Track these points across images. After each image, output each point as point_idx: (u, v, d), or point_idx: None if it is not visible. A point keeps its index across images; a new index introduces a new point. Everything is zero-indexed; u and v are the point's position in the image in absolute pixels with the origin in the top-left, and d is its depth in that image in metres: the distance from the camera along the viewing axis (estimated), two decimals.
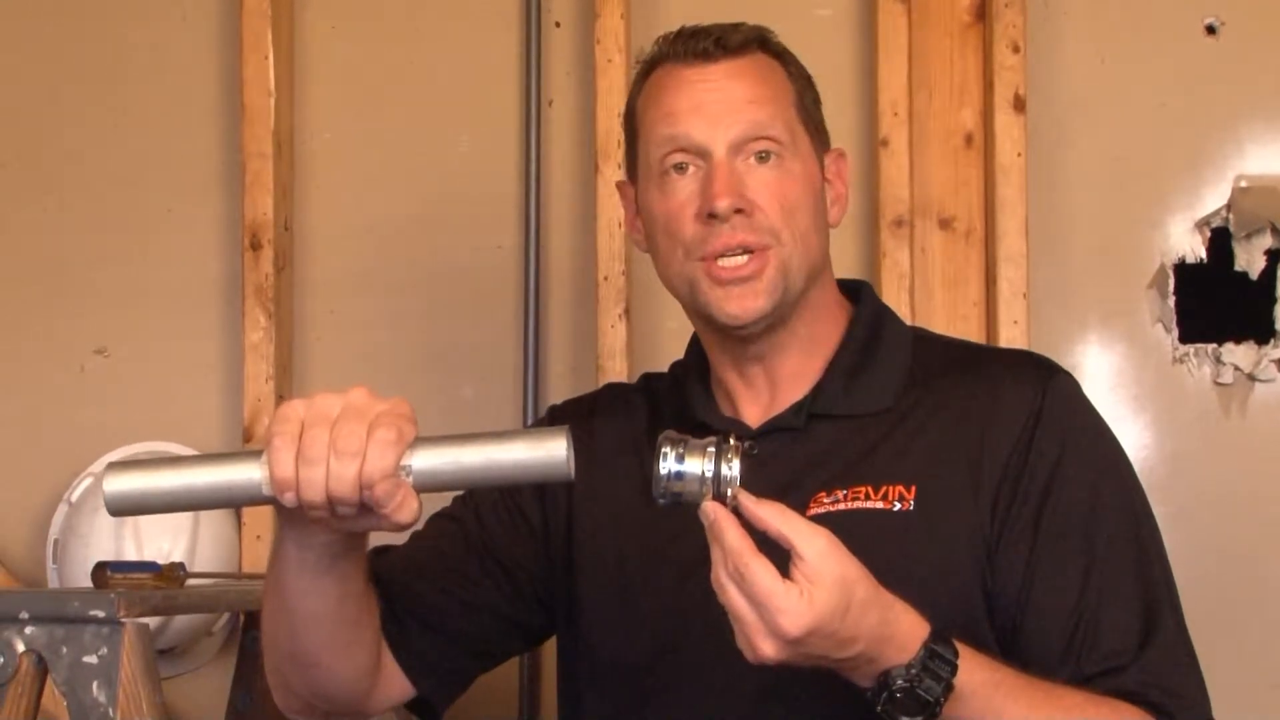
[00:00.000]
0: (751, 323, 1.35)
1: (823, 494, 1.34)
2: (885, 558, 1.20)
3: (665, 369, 1.54)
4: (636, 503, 1.40)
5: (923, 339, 1.46)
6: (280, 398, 2.30)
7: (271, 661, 1.34)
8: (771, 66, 1.39)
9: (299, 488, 1.08)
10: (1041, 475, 1.32)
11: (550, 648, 1.49)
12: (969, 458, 1.33)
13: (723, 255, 1.33)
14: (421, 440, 1.10)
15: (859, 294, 1.46)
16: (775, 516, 1.12)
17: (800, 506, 1.30)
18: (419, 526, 1.29)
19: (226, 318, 2.35)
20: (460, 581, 1.41)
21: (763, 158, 1.34)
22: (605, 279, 2.24)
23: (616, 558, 1.40)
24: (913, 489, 1.32)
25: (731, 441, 1.13)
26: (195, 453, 2.25)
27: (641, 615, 1.38)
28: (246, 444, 2.29)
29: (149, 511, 1.12)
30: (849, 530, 1.18)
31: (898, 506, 1.32)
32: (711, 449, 1.12)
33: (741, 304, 1.33)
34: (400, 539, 1.40)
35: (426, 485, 1.10)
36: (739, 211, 1.32)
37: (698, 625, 1.32)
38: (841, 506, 1.33)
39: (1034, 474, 1.32)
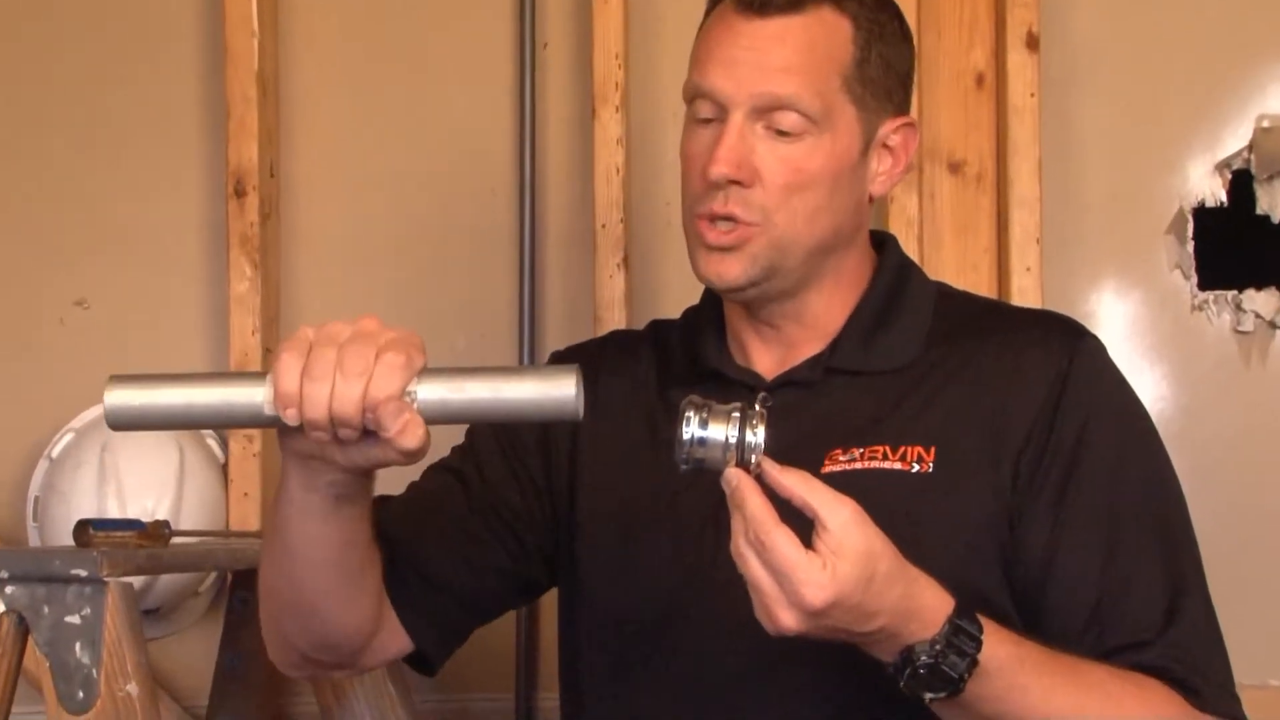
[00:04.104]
0: (728, 290, 1.36)
1: (838, 451, 1.34)
2: (901, 520, 1.20)
3: (668, 319, 1.53)
4: (643, 455, 1.40)
5: (946, 295, 1.45)
6: (267, 351, 2.29)
7: (269, 610, 1.35)
8: (833, 28, 1.34)
9: (302, 404, 1.08)
10: (1066, 445, 1.32)
11: (549, 607, 1.55)
12: (991, 423, 1.33)
13: (714, 218, 1.34)
14: (429, 370, 1.11)
15: (883, 245, 1.45)
16: (800, 485, 1.12)
17: (814, 463, 1.31)
18: (424, 462, 1.26)
19: (211, 269, 2.34)
20: (464, 539, 1.41)
21: (781, 133, 1.32)
22: (603, 227, 2.24)
23: (620, 512, 1.40)
24: (932, 450, 1.32)
25: (757, 408, 1.13)
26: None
27: (645, 572, 1.38)
28: None
29: (149, 427, 1.12)
30: (864, 490, 1.18)
31: (916, 468, 1.31)
32: (736, 415, 1.12)
33: (718, 270, 1.34)
34: (406, 476, 1.40)
35: (432, 414, 1.10)
36: (736, 182, 1.32)
37: (704, 583, 1.33)
38: (858, 465, 1.33)
39: (1058, 443, 1.32)
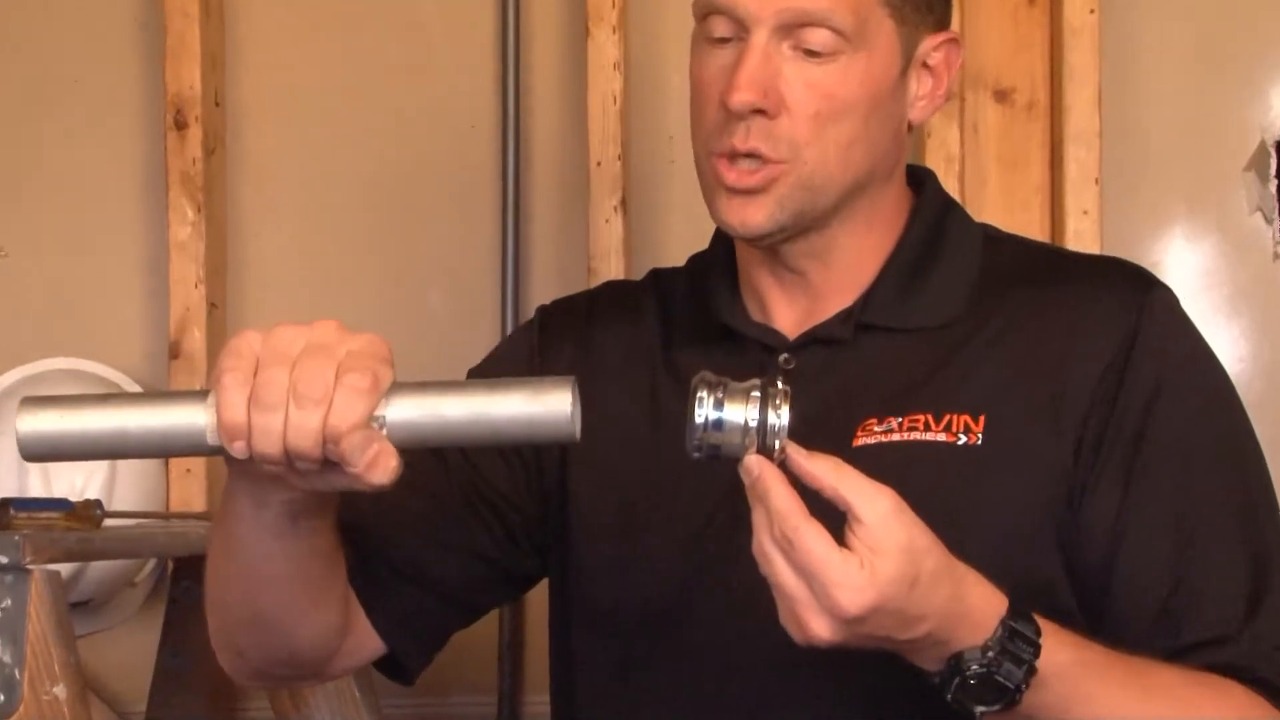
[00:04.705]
0: (753, 238, 1.34)
1: (872, 420, 1.32)
2: (946, 500, 1.19)
3: (672, 267, 1.51)
4: (644, 426, 1.38)
5: (995, 240, 1.43)
6: (213, 306, 2.28)
7: (219, 624, 1.33)
8: None
9: (251, 437, 1.06)
10: (1135, 411, 1.30)
11: (537, 600, 1.53)
12: (1049, 386, 1.31)
13: (734, 156, 1.32)
14: (399, 387, 1.08)
15: (922, 183, 1.43)
16: (830, 472, 1.10)
17: (845, 435, 1.29)
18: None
19: (148, 211, 2.32)
20: (442, 523, 1.40)
21: (810, 54, 1.31)
22: (598, 165, 2.22)
23: (620, 492, 1.39)
24: (981, 419, 1.30)
25: (780, 385, 1.11)
26: (120, 379, 2.31)
27: (648, 559, 1.36)
28: (173, 361, 2.28)
29: (70, 458, 1.10)
30: (904, 465, 1.17)
31: (963, 439, 1.30)
32: (756, 393, 1.10)
33: (741, 217, 1.32)
34: None
35: (403, 440, 1.08)
36: (760, 112, 1.30)
37: (716, 574, 1.31)
38: (895, 436, 1.30)
39: (1126, 409, 1.30)
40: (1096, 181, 2.15)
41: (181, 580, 2.11)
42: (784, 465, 1.10)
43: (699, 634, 1.33)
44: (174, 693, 2.12)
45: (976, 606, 1.13)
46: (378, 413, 1.06)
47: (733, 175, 1.31)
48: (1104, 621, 1.27)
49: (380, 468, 1.06)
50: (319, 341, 1.07)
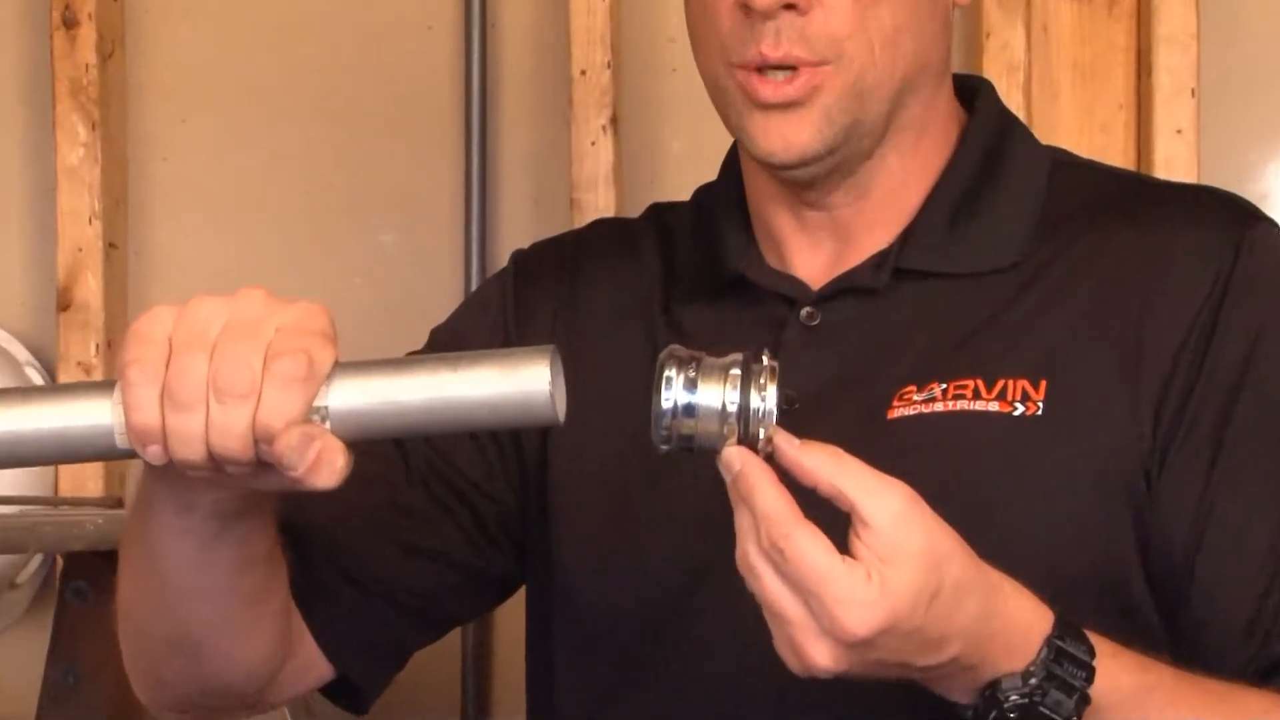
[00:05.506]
0: (796, 164, 1.32)
1: (911, 388, 1.30)
2: (1000, 483, 1.21)
3: (674, 203, 1.49)
4: (640, 398, 1.27)
5: (1064, 166, 1.42)
6: (111, 246, 2.27)
7: (136, 648, 1.33)
8: None
9: (167, 441, 1.05)
10: (1229, 368, 1.28)
11: (504, 614, 1.56)
12: (1125, 340, 1.30)
13: (764, 67, 1.30)
14: (343, 368, 1.07)
15: (975, 96, 1.42)
16: (828, 466, 1.08)
17: (878, 406, 1.29)
18: None
19: (30, 130, 2.32)
20: (402, 519, 1.40)
21: None
22: (583, 74, 2.20)
23: (613, 475, 1.38)
24: (1042, 384, 1.29)
25: (765, 360, 1.10)
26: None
27: (643, 557, 1.35)
28: (62, 314, 2.27)
29: None
30: (949, 442, 1.18)
31: (1020, 409, 1.28)
32: (736, 371, 1.09)
33: (783, 137, 1.31)
34: None
35: (349, 433, 1.07)
36: (789, 7, 1.29)
37: (722, 574, 1.22)
38: (938, 406, 1.29)
39: (1218, 365, 1.28)
40: (1193, 94, 2.14)
41: (73, 580, 2.06)
42: (771, 458, 1.08)
43: (701, 647, 1.31)
44: (65, 712, 2.08)
45: (1014, 624, 1.12)
46: (318, 403, 1.06)
47: (767, 89, 1.29)
48: (1180, 628, 1.26)
49: (324, 469, 1.05)
50: (241, 319, 1.06)
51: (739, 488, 1.07)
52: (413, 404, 1.07)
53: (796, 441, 1.08)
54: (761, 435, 1.08)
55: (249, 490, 1.14)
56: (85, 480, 2.24)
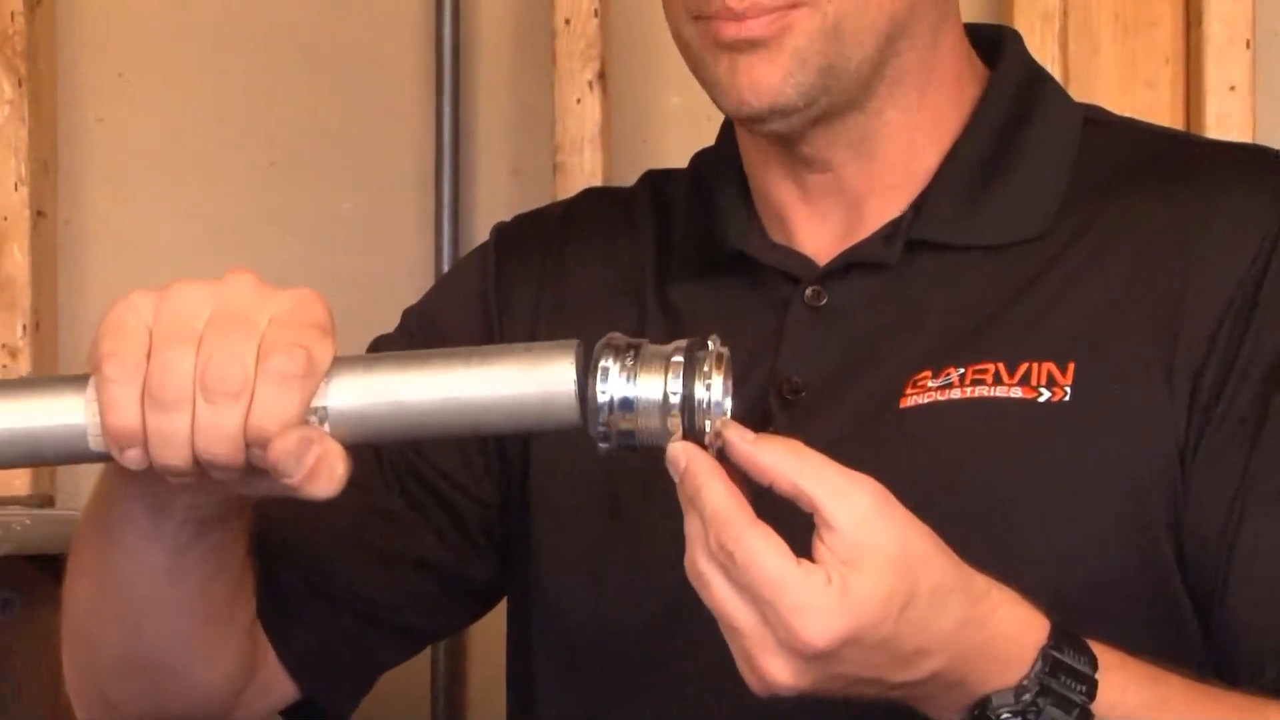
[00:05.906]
0: (768, 113, 1.31)
1: (926, 373, 1.31)
2: (1024, 476, 1.22)
3: (672, 169, 1.49)
4: None
5: (1098, 125, 1.41)
6: (39, 214, 2.28)
7: (85, 669, 1.34)
8: None
9: (148, 444, 1.06)
10: (1272, 346, 1.28)
11: (478, 627, 1.53)
12: (1161, 317, 1.30)
13: (728, 17, 1.30)
14: (343, 364, 1.07)
15: (999, 49, 1.41)
16: (786, 461, 1.07)
17: (889, 393, 1.30)
18: None
19: None
20: (375, 523, 1.41)
21: None
22: (567, 23, 2.23)
23: (596, 481, 1.38)
24: (1069, 367, 1.29)
25: (711, 345, 1.10)
26: None
27: (636, 563, 1.35)
28: None
29: None
30: (968, 431, 1.21)
31: (1045, 394, 1.29)
32: (679, 359, 1.09)
33: (751, 80, 1.30)
34: None
35: (350, 436, 1.07)
36: None
37: None
38: (956, 393, 1.29)
39: (1262, 340, 1.28)
40: (1248, 45, 2.14)
41: (0, 589, 2.09)
42: (722, 454, 1.08)
43: (695, 656, 1.30)
44: None
45: (1004, 633, 1.11)
46: (316, 403, 1.06)
47: (730, 28, 1.28)
48: (1213, 634, 1.26)
49: (323, 476, 1.06)
50: (230, 308, 1.06)
51: (685, 487, 1.07)
52: (420, 405, 1.08)
53: (750, 435, 1.07)
54: (709, 429, 1.07)
55: (230, 495, 1.15)
56: (9, 476, 2.25)
